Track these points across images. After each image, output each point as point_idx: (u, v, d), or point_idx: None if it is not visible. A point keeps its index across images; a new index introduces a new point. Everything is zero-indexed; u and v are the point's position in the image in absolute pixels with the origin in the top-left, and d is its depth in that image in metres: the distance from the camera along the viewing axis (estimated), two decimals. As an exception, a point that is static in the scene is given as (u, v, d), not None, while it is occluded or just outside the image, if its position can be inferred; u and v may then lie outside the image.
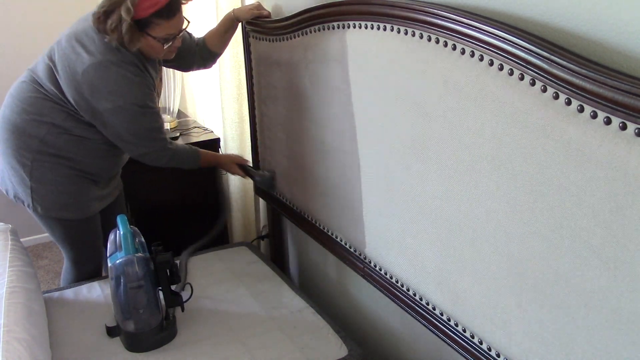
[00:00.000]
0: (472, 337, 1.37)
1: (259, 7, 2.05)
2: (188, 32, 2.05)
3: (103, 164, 1.97)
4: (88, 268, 2.11)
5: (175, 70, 2.69)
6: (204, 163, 2.11)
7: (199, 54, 2.08)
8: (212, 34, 2.09)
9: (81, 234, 2.03)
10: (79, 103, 1.80)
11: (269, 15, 2.03)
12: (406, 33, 1.35)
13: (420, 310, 1.54)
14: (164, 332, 1.72)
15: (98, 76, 1.74)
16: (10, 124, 1.87)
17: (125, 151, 1.96)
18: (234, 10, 2.07)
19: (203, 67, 2.17)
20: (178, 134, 2.63)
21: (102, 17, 1.69)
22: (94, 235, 2.08)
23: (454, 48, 1.22)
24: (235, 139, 2.45)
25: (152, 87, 1.86)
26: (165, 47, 1.79)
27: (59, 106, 1.83)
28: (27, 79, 1.88)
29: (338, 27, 1.61)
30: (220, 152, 2.60)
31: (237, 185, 2.54)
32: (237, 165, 2.18)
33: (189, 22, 1.83)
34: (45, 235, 3.31)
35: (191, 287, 1.87)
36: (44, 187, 1.90)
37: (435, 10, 1.24)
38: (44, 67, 1.84)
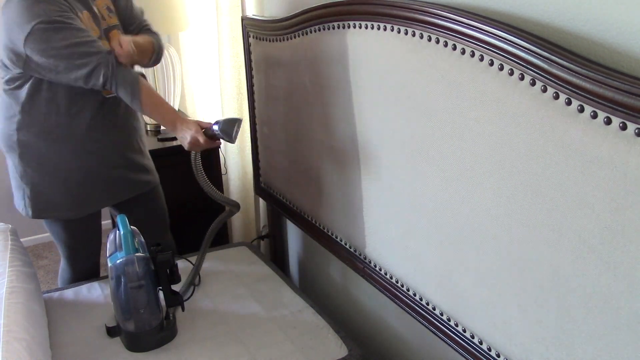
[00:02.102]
0: (472, 337, 1.37)
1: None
2: (141, 10, 2.01)
3: (77, 156, 1.87)
4: (83, 267, 2.09)
5: (176, 70, 2.69)
6: (147, 106, 1.75)
7: (139, 32, 1.98)
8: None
9: (75, 233, 2.01)
10: (12, 57, 1.72)
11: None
12: (406, 33, 1.35)
13: (421, 311, 1.54)
14: (164, 332, 1.72)
15: (5, 15, 1.69)
16: None
17: (72, 83, 1.73)
18: None
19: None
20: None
21: None
22: (90, 235, 2.06)
23: (454, 48, 1.22)
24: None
25: (64, 7, 1.71)
26: None
27: (15, 90, 1.79)
28: None
29: (338, 27, 1.61)
30: (221, 153, 2.59)
31: (237, 185, 2.54)
32: (198, 137, 1.71)
33: None
34: (45, 235, 3.31)
35: (193, 287, 1.87)
36: (35, 188, 1.88)
37: (436, 11, 1.25)
38: None
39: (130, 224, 1.71)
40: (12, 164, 1.90)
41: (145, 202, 2.10)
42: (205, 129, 1.72)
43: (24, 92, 1.78)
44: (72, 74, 1.70)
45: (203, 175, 1.79)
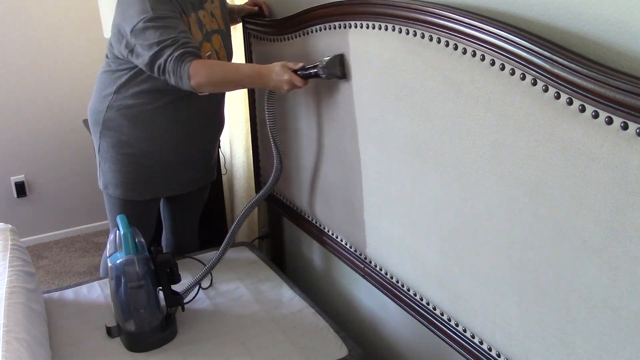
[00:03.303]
0: (473, 337, 1.37)
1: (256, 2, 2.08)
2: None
3: (152, 141, 1.94)
4: None
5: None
6: (214, 84, 1.73)
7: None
8: None
9: (129, 215, 1.91)
10: (120, 40, 1.78)
11: (261, 11, 2.07)
12: (407, 33, 1.36)
13: (421, 310, 1.54)
14: (164, 332, 1.72)
15: (120, 3, 1.78)
16: (90, 104, 2.01)
17: (149, 71, 1.77)
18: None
19: None
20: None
21: None
22: (144, 221, 2.05)
23: (456, 48, 1.22)
24: (242, 139, 2.45)
25: (175, 7, 1.77)
26: None
27: (116, 72, 1.88)
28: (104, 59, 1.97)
29: (339, 27, 1.61)
30: (221, 153, 2.59)
31: (242, 185, 2.53)
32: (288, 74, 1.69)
33: None
34: (45, 235, 3.31)
35: (199, 286, 1.87)
36: (106, 162, 1.98)
37: (437, 10, 1.25)
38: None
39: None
40: (94, 138, 2.02)
41: (193, 196, 2.17)
42: (297, 70, 1.69)
43: (124, 75, 1.87)
44: (147, 65, 1.73)
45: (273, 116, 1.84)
